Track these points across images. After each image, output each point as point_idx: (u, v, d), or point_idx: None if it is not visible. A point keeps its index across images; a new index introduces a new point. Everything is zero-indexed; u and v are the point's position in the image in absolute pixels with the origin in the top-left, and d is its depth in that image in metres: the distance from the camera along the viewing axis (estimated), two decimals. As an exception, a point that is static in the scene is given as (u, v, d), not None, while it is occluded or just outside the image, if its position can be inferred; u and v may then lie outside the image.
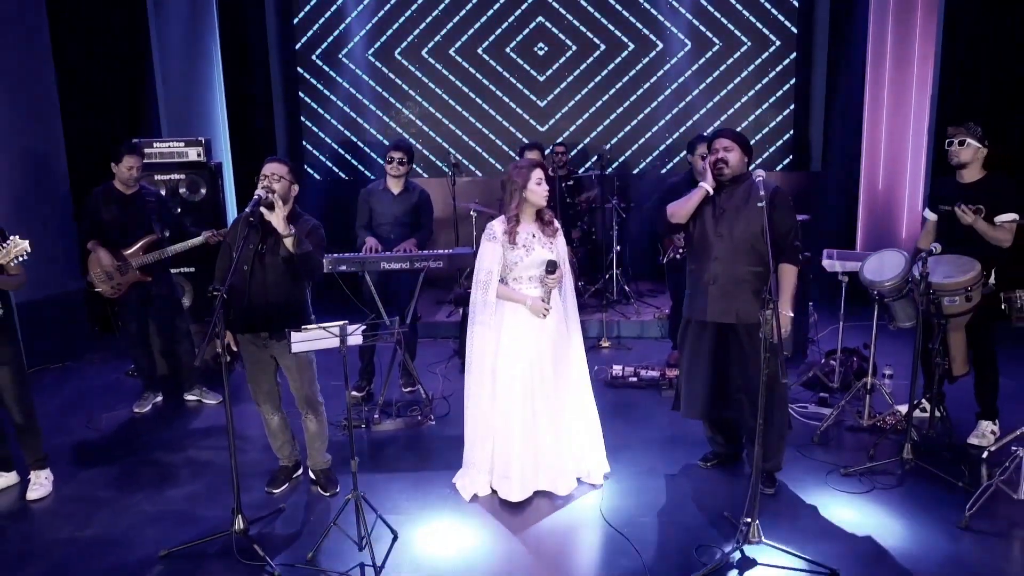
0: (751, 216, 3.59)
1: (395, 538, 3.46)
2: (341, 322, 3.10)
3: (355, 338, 3.13)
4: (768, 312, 3.05)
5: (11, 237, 3.62)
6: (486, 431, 3.79)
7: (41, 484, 3.99)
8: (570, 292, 3.88)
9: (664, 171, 8.47)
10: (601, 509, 3.72)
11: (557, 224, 3.80)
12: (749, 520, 3.23)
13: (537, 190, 3.61)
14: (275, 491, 3.95)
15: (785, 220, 3.66)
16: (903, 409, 4.38)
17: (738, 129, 8.12)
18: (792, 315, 3.72)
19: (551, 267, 3.62)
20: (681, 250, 5.31)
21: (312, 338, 3.04)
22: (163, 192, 5.50)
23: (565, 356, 3.83)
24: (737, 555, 3.21)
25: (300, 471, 4.13)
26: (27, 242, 3.58)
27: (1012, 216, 3.99)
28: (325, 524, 3.48)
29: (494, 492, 3.83)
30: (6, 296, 3.83)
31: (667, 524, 3.60)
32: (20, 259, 3.57)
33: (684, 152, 6.65)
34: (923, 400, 4.51)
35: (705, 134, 5.70)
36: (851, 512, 3.67)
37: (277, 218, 3.45)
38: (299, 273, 3.60)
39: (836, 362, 5.18)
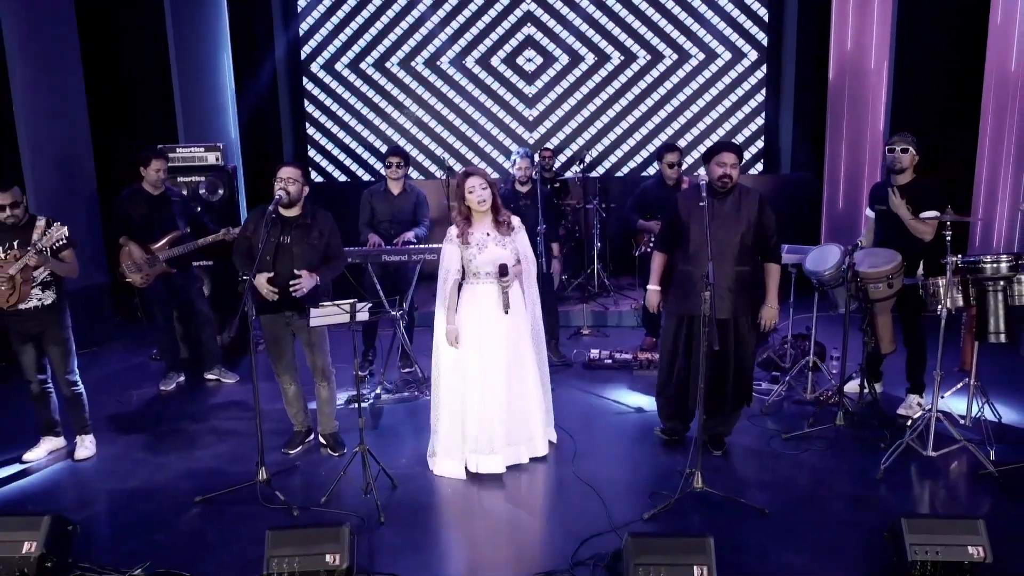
0: (741, 222, 4.13)
1: (394, 487, 4.06)
2: (351, 300, 3.71)
3: (362, 314, 3.73)
4: (707, 293, 3.66)
5: (55, 223, 4.23)
6: (453, 410, 4.22)
7: (86, 446, 4.59)
8: (533, 281, 4.34)
9: (643, 173, 9.08)
10: (573, 467, 4.32)
11: (515, 223, 4.19)
12: (692, 470, 3.85)
13: (469, 197, 4.04)
14: (290, 452, 4.55)
15: (772, 224, 4.21)
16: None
17: (714, 135, 8.85)
18: (778, 306, 4.28)
19: (502, 271, 4.04)
20: (649, 246, 5.90)
21: (327, 314, 3.64)
22: (185, 192, 6.08)
23: (524, 340, 4.26)
24: (682, 499, 3.81)
25: (311, 436, 4.72)
26: (65, 228, 4.19)
27: (934, 212, 4.51)
28: (335, 478, 4.07)
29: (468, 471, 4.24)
30: (60, 283, 4.41)
31: (628, 478, 4.20)
32: (60, 242, 4.17)
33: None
34: (853, 375, 5.12)
35: (672, 143, 6.30)
36: (786, 468, 4.28)
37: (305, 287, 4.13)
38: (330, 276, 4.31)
39: (788, 345, 5.78)
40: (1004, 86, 6.23)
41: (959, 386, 4.60)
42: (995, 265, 4.11)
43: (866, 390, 4.91)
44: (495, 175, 8.37)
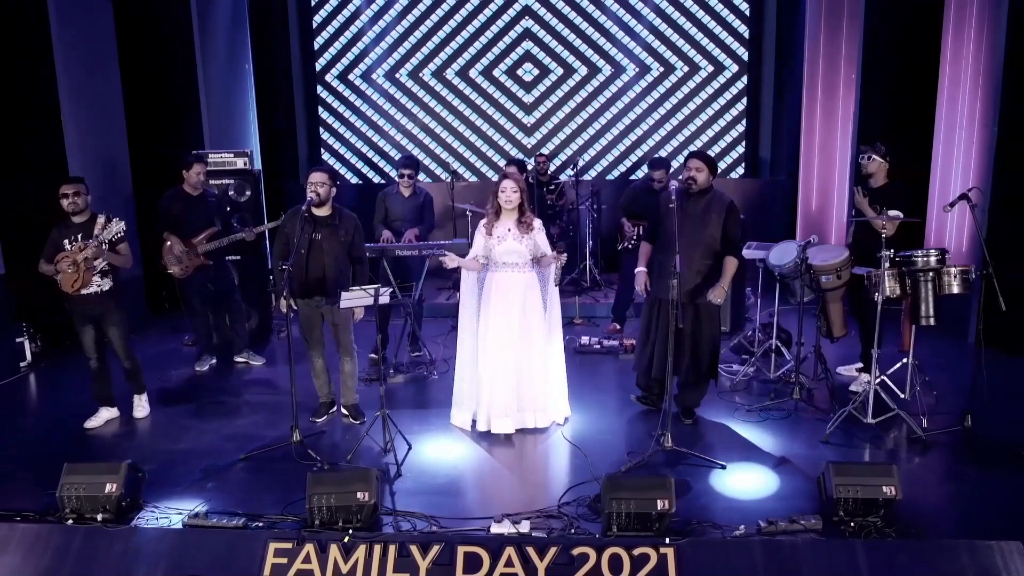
0: (709, 222, 4.80)
1: (409, 448, 4.73)
2: (375, 285, 4.39)
3: (384, 298, 4.41)
4: (674, 281, 4.34)
5: (113, 219, 4.91)
6: (470, 375, 5.00)
7: (142, 406, 5.36)
8: (550, 281, 5.00)
9: (631, 177, 9.78)
10: (563, 432, 4.99)
11: (535, 225, 4.88)
12: (664, 432, 4.52)
13: (500, 196, 4.77)
14: (317, 420, 5.21)
15: (736, 227, 4.89)
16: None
17: (700, 144, 9.55)
18: (728, 291, 4.92)
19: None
20: (632, 241, 6.58)
21: (355, 297, 4.32)
22: (217, 192, 6.74)
23: (540, 325, 4.96)
24: (654, 456, 4.49)
25: (334, 408, 5.38)
26: (122, 223, 4.88)
27: (896, 212, 5.13)
28: (359, 440, 4.74)
29: (474, 425, 5.00)
30: (116, 272, 5.10)
31: (609, 441, 4.87)
32: (118, 235, 4.88)
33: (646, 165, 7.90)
34: (806, 354, 5.80)
35: (661, 155, 7.04)
36: (748, 434, 4.95)
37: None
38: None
39: (757, 332, 6.45)
40: (954, 106, 6.94)
41: (898, 365, 5.26)
42: (925, 259, 4.79)
43: (820, 370, 5.58)
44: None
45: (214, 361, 6.53)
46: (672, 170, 7.05)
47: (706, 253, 4.84)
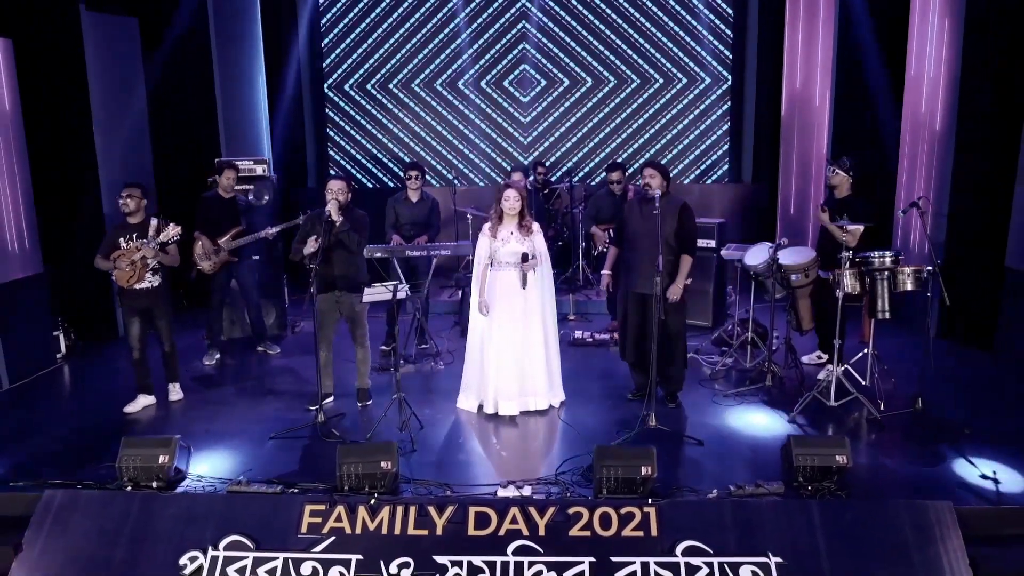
0: (665, 222, 5.35)
1: (421, 427, 5.29)
2: (394, 282, 4.95)
3: (401, 294, 4.97)
4: (658, 278, 4.91)
5: (169, 224, 5.44)
6: (478, 364, 5.56)
7: (176, 391, 5.92)
8: (547, 275, 5.61)
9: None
10: (560, 413, 5.56)
11: (535, 228, 5.45)
12: (648, 413, 5.10)
13: (504, 203, 5.31)
14: (312, 408, 5.64)
15: (690, 224, 5.47)
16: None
17: (687, 151, 10.16)
18: (683, 285, 5.50)
19: (523, 258, 5.31)
20: (606, 244, 7.14)
21: (376, 292, 4.88)
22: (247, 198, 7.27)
23: (539, 318, 5.55)
24: (640, 434, 5.05)
25: (330, 399, 5.76)
26: (179, 228, 5.43)
27: (857, 226, 5.71)
28: (372, 423, 5.28)
29: (480, 409, 5.56)
30: (165, 270, 5.66)
31: (600, 421, 5.43)
32: (174, 239, 5.41)
33: (631, 169, 8.50)
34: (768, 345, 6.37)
35: (618, 160, 7.67)
36: (724, 416, 5.52)
37: (335, 215, 5.31)
38: (347, 244, 5.41)
39: (736, 326, 7.02)
40: (916, 118, 7.55)
41: (859, 355, 5.85)
42: (881, 259, 5.37)
43: (791, 360, 6.17)
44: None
45: (219, 355, 6.97)
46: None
47: (666, 250, 5.36)
